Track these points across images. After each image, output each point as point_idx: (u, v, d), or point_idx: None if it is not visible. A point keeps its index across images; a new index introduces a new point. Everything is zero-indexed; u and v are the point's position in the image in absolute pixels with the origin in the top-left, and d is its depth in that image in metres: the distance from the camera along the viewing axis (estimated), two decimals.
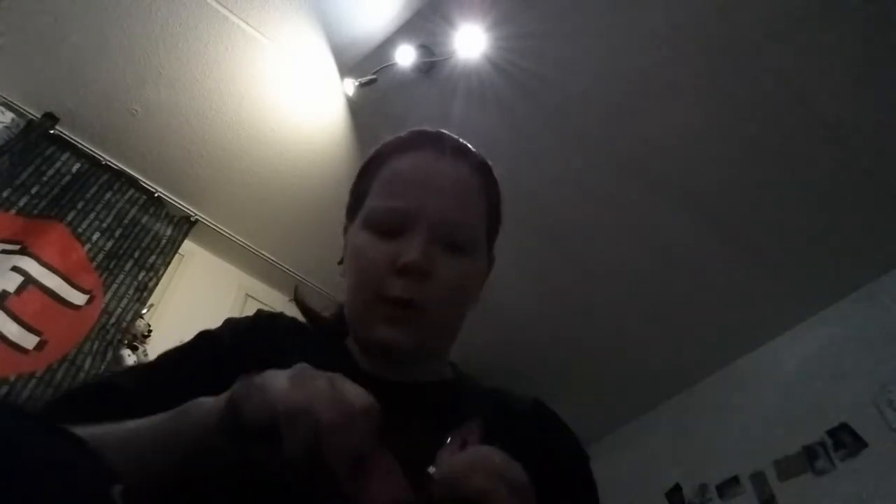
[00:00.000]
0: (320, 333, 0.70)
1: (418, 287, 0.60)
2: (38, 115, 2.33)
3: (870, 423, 2.35)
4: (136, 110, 2.34)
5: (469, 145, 0.72)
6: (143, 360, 2.19)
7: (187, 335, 0.66)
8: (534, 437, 0.64)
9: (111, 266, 2.29)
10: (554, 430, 0.68)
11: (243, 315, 0.70)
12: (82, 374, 2.03)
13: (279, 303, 2.77)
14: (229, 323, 0.68)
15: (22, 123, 2.31)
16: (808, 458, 2.47)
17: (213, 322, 0.67)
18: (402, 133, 0.71)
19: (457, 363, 0.74)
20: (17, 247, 2.10)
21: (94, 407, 0.53)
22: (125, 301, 2.25)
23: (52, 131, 2.33)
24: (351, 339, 0.68)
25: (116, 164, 2.47)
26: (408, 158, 0.67)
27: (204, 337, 0.65)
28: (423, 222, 0.62)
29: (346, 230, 0.72)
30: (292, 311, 0.76)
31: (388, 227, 0.63)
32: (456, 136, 0.72)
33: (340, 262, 0.72)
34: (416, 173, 0.66)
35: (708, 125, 2.17)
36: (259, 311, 0.71)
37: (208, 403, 0.45)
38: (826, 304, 2.72)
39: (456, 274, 0.63)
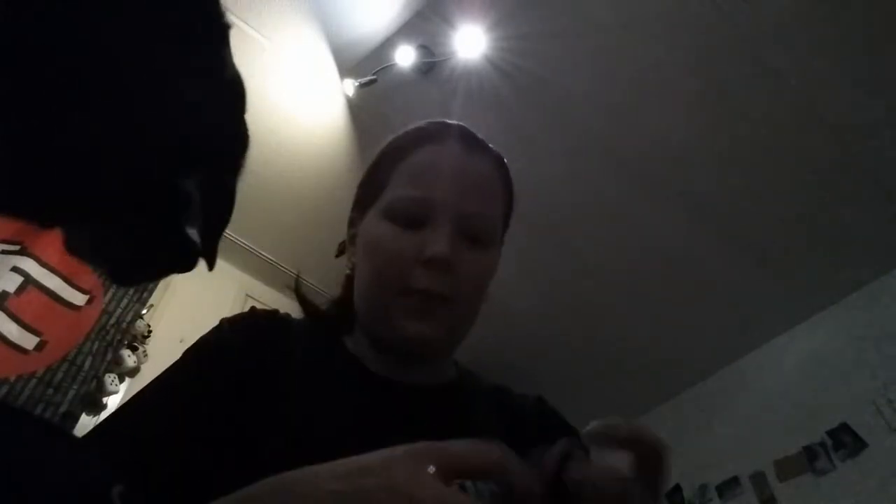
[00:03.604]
0: (318, 329, 0.68)
1: (443, 280, 0.59)
2: None
3: (870, 423, 2.35)
4: None
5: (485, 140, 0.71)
6: (143, 360, 2.19)
7: (187, 335, 0.64)
8: (537, 435, 0.64)
9: None
10: (555, 427, 0.69)
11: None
12: (82, 375, 2.03)
13: (279, 303, 2.76)
14: (228, 325, 0.63)
15: None
16: (808, 458, 2.47)
17: (213, 322, 0.64)
18: (421, 123, 0.70)
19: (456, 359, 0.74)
20: (17, 247, 2.09)
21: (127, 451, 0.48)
22: (125, 301, 2.25)
23: None
24: (357, 335, 0.66)
25: None
26: (432, 150, 0.66)
27: (207, 349, 0.60)
28: (447, 214, 0.61)
29: (352, 222, 0.70)
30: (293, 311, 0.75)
31: (412, 218, 0.61)
32: (472, 131, 0.71)
33: (338, 255, 0.71)
34: (441, 165, 0.65)
35: (708, 125, 2.17)
36: (254, 309, 0.68)
37: None
38: (826, 304, 2.72)
39: (477, 268, 0.62)
